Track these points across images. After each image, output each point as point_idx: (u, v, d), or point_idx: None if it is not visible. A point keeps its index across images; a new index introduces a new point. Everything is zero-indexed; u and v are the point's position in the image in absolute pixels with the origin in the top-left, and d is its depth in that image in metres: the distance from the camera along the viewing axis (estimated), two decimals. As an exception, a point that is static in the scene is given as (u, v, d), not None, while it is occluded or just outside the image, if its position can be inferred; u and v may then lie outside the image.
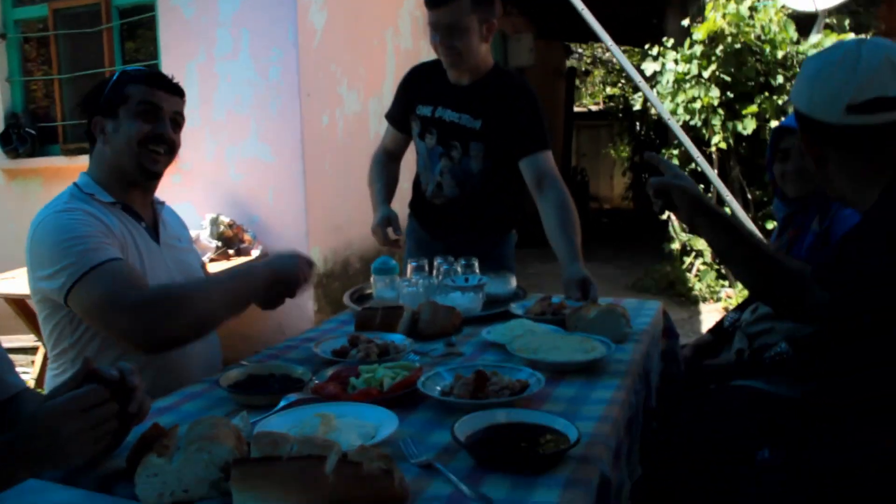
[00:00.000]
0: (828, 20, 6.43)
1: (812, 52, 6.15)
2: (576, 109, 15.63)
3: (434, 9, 2.64)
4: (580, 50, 16.38)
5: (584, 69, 17.08)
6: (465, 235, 2.90)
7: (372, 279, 2.52)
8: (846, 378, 1.58)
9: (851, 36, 6.14)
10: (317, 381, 1.69)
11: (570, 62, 15.53)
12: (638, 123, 14.13)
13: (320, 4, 5.01)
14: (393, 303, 2.35)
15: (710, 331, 2.66)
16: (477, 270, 2.62)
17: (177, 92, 2.10)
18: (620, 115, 14.58)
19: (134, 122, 2.01)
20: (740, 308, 2.62)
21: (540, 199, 2.73)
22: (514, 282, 2.64)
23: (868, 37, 6.36)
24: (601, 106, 17.10)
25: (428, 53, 7.24)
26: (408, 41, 6.53)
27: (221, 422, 1.31)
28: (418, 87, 2.96)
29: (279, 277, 1.95)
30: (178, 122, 2.10)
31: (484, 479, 1.24)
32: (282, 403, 1.58)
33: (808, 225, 2.24)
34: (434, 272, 2.62)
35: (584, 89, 17.95)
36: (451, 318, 2.20)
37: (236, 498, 1.13)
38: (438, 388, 1.65)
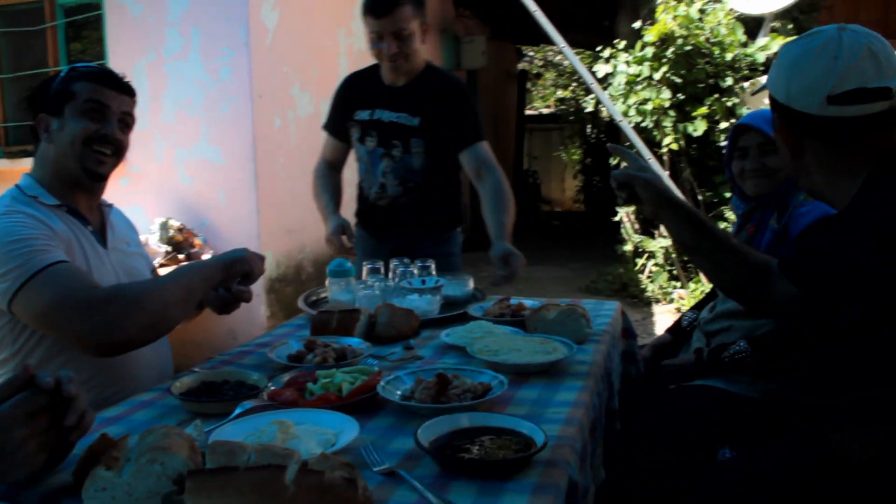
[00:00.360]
0: (773, 24, 6.52)
1: (760, 54, 6.25)
2: (527, 112, 15.70)
3: (380, 18, 2.72)
4: (531, 53, 16.45)
5: (535, 72, 17.15)
6: (411, 233, 2.97)
7: (327, 282, 2.47)
8: (818, 378, 1.56)
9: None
10: (273, 388, 1.64)
11: (522, 65, 15.58)
12: (589, 126, 14.28)
13: (272, 4, 4.93)
14: (349, 306, 2.30)
15: (669, 330, 2.66)
16: (433, 272, 2.59)
17: (127, 91, 2.02)
18: (572, 117, 14.69)
19: (79, 120, 1.93)
20: (698, 307, 2.63)
21: (480, 186, 2.84)
22: (471, 283, 2.62)
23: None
24: (552, 109, 17.20)
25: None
26: (360, 42, 6.41)
27: (174, 431, 1.24)
28: (354, 93, 3.03)
29: (231, 271, 1.89)
30: (126, 122, 2.03)
31: (450, 485, 1.20)
32: (237, 411, 1.52)
33: (767, 222, 2.25)
34: (390, 274, 2.58)
35: (535, 92, 18.03)
36: (409, 321, 2.16)
37: (190, 511, 1.07)
38: (399, 392, 1.61)
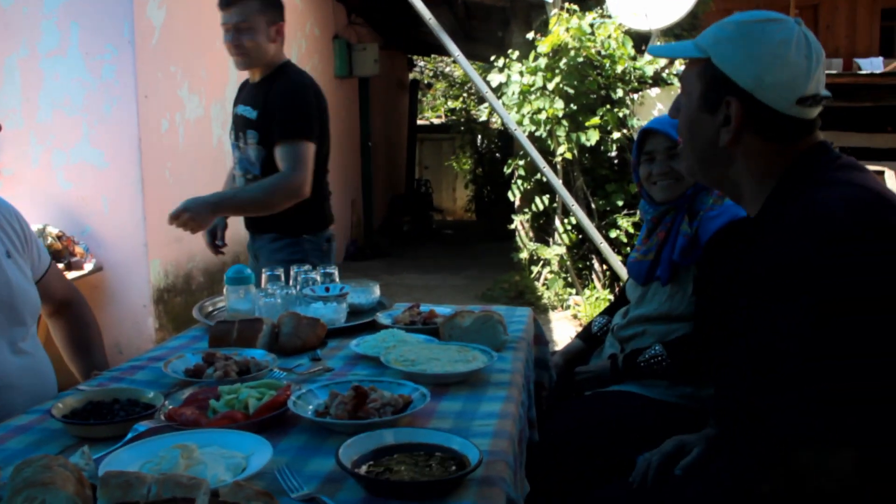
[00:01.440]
0: (658, 41, 6.72)
1: (648, 68, 6.41)
2: (418, 122, 15.69)
3: (224, 9, 2.83)
4: (422, 63, 16.47)
5: (426, 82, 17.17)
6: (257, 229, 3.05)
7: (224, 290, 2.30)
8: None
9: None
10: (171, 406, 1.48)
11: (413, 75, 15.56)
12: (480, 136, 14.38)
13: (158, 1, 4.68)
14: (249, 315, 2.15)
15: (579, 336, 2.62)
16: (337, 279, 2.47)
17: None
18: (462, 128, 14.76)
19: None
20: (608, 312, 2.60)
21: None
22: (377, 290, 2.50)
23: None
24: (443, 119, 17.25)
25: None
26: (251, 45, 6.25)
27: (56, 461, 1.07)
28: (239, 91, 3.15)
29: None
30: None
31: (381, 510, 1.09)
32: (130, 434, 1.36)
33: (678, 227, 2.23)
34: (291, 282, 2.44)
35: (425, 102, 18.06)
36: (315, 330, 2.03)
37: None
38: (311, 407, 1.48)
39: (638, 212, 6.37)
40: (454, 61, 6.96)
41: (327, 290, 2.35)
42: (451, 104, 16.70)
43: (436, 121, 17.73)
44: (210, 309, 2.43)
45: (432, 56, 15.10)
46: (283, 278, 2.40)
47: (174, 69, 4.96)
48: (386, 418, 1.39)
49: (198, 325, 2.33)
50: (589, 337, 2.57)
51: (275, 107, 2.83)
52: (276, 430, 1.42)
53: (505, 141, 12.13)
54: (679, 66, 6.44)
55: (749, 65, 1.35)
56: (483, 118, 7.37)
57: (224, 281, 2.28)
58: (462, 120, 14.94)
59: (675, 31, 7.27)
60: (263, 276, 2.39)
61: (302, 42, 7.74)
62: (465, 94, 15.78)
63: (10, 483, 1.03)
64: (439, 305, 2.34)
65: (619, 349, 2.32)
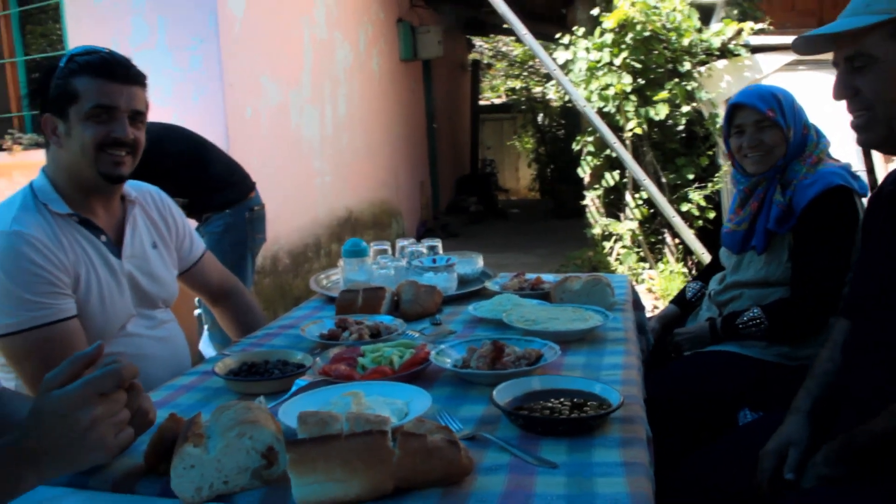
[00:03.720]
0: (722, 11, 6.68)
1: (715, 39, 6.38)
2: (479, 103, 15.76)
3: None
4: (480, 43, 16.49)
5: (486, 62, 17.20)
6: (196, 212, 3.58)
7: (340, 263, 2.45)
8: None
9: (748, 25, 6.40)
10: (322, 364, 1.62)
11: (472, 55, 15.61)
12: (541, 115, 14.38)
13: (239, -8, 4.87)
14: (369, 285, 2.29)
15: (674, 302, 2.71)
16: (441, 251, 2.61)
17: (135, 80, 1.86)
18: (524, 107, 14.77)
19: (87, 125, 1.80)
20: (700, 278, 2.68)
21: None
22: (481, 261, 2.63)
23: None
24: (503, 99, 17.27)
25: (342, 44, 7.17)
26: (323, 31, 6.42)
27: (254, 405, 1.22)
28: None
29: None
30: (138, 119, 1.88)
31: (539, 444, 1.21)
32: (295, 387, 1.51)
33: (771, 197, 2.30)
34: (396, 254, 2.60)
35: (485, 82, 18.10)
36: (433, 297, 2.17)
37: (295, 482, 1.06)
38: (450, 361, 1.61)
39: (708, 184, 6.37)
40: (516, 40, 7.03)
41: (434, 261, 2.49)
42: (511, 83, 16.68)
43: (497, 101, 17.76)
44: (325, 282, 2.58)
45: (491, 36, 15.10)
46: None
47: (255, 58, 5.14)
48: (521, 369, 1.51)
49: (316, 297, 2.48)
50: (683, 302, 2.66)
51: None
52: (420, 383, 1.54)
53: (567, 119, 12.13)
54: (746, 36, 6.40)
55: None
56: (547, 96, 7.41)
57: (342, 254, 2.43)
58: (523, 99, 14.94)
59: (739, 1, 7.21)
60: (372, 250, 2.54)
61: (368, 27, 7.89)
62: (525, 73, 15.76)
63: (217, 423, 1.18)
64: (535, 268, 2.45)
65: (717, 313, 2.40)
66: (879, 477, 1.41)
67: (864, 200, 2.13)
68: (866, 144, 1.59)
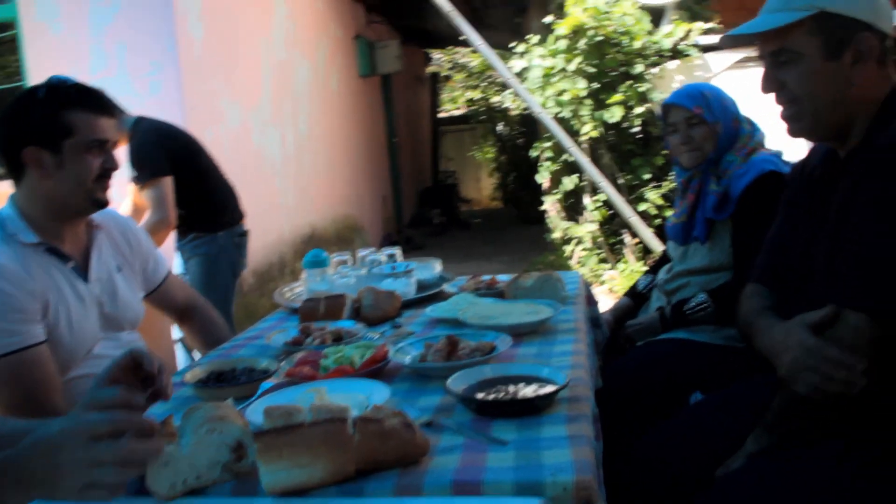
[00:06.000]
0: (673, 14, 6.87)
1: (666, 41, 6.56)
2: (439, 115, 15.89)
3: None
4: (438, 55, 16.63)
5: (444, 74, 17.35)
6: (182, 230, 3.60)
7: (303, 274, 2.53)
8: None
9: (697, 25, 6.59)
10: (287, 367, 1.70)
11: (431, 68, 15.76)
12: (501, 124, 14.53)
13: (197, 15, 4.92)
14: (332, 293, 2.37)
15: (626, 295, 2.82)
16: (400, 259, 2.70)
17: (114, 112, 1.97)
18: (483, 117, 14.93)
19: (84, 158, 1.87)
20: (651, 271, 2.79)
21: None
22: (438, 266, 2.72)
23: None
24: (463, 110, 17.41)
25: (301, 63, 7.23)
26: (281, 51, 6.50)
27: (223, 404, 1.30)
28: None
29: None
30: (116, 145, 2.00)
31: (490, 426, 1.31)
32: (260, 391, 1.59)
33: (706, 187, 2.42)
34: (357, 263, 2.68)
35: (444, 94, 18.24)
36: (393, 302, 2.25)
37: (263, 470, 1.14)
38: (408, 357, 1.70)
39: (664, 183, 6.54)
40: (472, 51, 7.16)
41: (393, 268, 2.58)
42: (469, 94, 16.82)
43: (456, 112, 17.90)
44: (288, 294, 2.65)
45: (448, 48, 15.25)
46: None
47: (214, 81, 5.20)
48: (476, 359, 1.60)
49: (279, 309, 2.56)
50: (635, 295, 2.77)
51: (133, 161, 3.36)
52: (380, 379, 1.62)
53: (527, 126, 12.30)
54: (696, 36, 6.58)
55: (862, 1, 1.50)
56: (504, 105, 7.55)
57: (303, 265, 2.51)
58: (482, 109, 15.09)
59: (688, 3, 7.43)
60: (333, 260, 2.62)
61: (326, 45, 7.98)
62: (483, 84, 15.92)
63: (187, 422, 1.25)
64: (497, 274, 2.55)
65: (666, 302, 2.52)
66: (805, 442, 1.52)
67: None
68: (795, 134, 1.65)
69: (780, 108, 1.64)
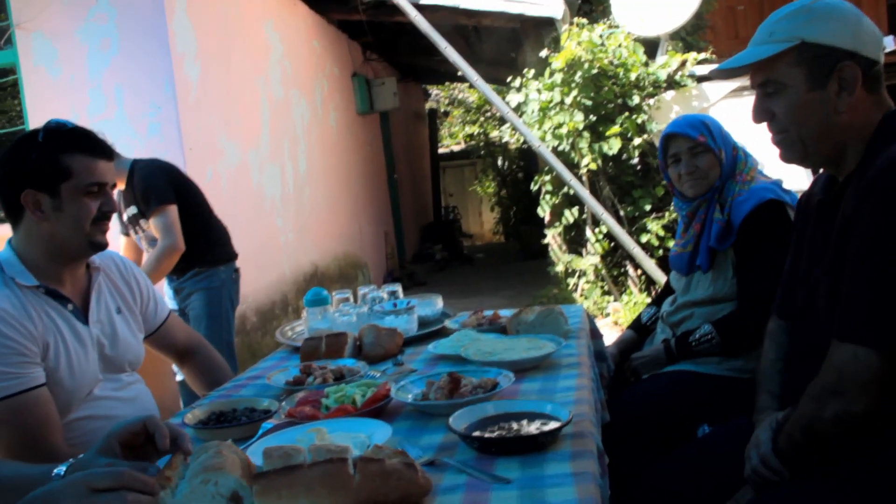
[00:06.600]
0: (668, 45, 6.92)
1: (661, 72, 6.60)
2: (439, 151, 15.98)
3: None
4: (436, 91, 16.77)
5: (443, 110, 17.48)
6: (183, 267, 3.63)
7: (304, 313, 2.52)
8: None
9: (692, 56, 6.64)
10: (288, 407, 1.68)
11: (429, 104, 15.87)
12: (500, 158, 14.61)
13: (193, 57, 4.96)
14: (334, 331, 2.35)
15: (630, 328, 2.80)
16: (401, 295, 2.68)
17: (112, 155, 1.97)
18: (483, 151, 15.01)
19: (82, 202, 1.87)
20: (655, 303, 2.78)
21: None
22: (440, 302, 2.70)
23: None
24: (462, 145, 17.52)
25: (299, 102, 7.28)
26: (279, 90, 6.54)
27: (228, 448, 1.27)
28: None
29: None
30: (114, 188, 2.01)
31: (494, 464, 1.28)
32: (261, 431, 1.56)
33: (711, 217, 2.41)
34: (358, 301, 2.67)
35: (443, 130, 18.36)
36: (395, 339, 2.23)
37: (261, 513, 1.12)
38: (410, 396, 1.68)
39: (666, 213, 6.53)
40: (470, 87, 7.21)
41: (395, 305, 2.56)
42: (468, 129, 16.94)
43: (455, 147, 18.00)
44: (290, 333, 2.64)
45: (446, 84, 15.38)
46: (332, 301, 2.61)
47: (213, 120, 5.23)
48: (478, 396, 1.58)
49: (281, 348, 2.54)
50: (640, 327, 2.76)
51: (138, 196, 3.49)
52: (382, 418, 1.60)
53: (526, 160, 12.35)
54: (691, 66, 6.63)
55: (844, 29, 1.52)
56: (503, 140, 7.58)
57: (304, 304, 2.49)
58: (481, 144, 15.18)
59: (682, 34, 7.48)
60: (334, 298, 2.61)
61: (324, 83, 8.04)
62: (482, 118, 16.03)
63: (190, 466, 1.23)
64: (500, 309, 2.54)
65: (671, 334, 2.50)
66: (819, 471, 1.50)
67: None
68: (787, 160, 1.69)
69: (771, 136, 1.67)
